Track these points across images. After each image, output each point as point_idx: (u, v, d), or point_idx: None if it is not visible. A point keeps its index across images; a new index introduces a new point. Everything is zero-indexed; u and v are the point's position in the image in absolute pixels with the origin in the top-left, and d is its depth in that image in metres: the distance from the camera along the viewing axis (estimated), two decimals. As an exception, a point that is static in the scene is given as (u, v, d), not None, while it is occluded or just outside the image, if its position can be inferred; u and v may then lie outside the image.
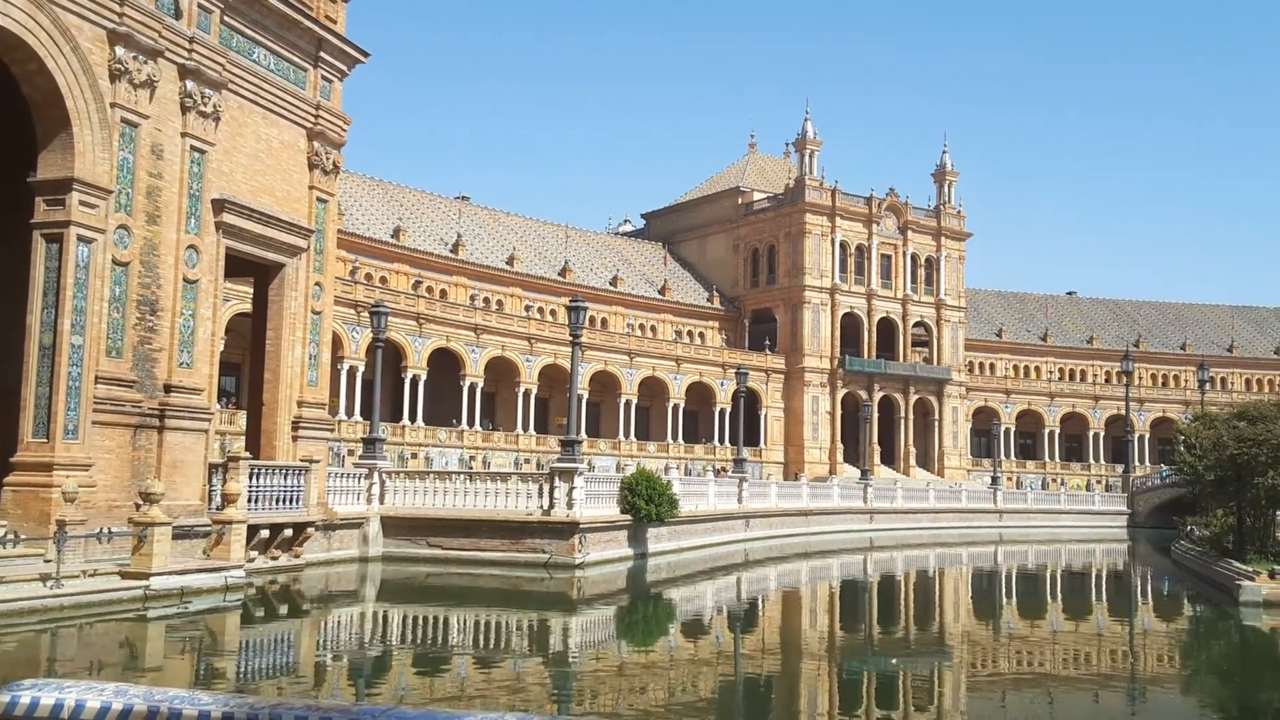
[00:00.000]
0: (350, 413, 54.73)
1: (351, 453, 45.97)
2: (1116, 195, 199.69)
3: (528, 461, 60.57)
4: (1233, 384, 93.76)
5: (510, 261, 73.22)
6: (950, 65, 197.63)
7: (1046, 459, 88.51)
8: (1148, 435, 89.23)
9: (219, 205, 23.36)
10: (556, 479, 28.60)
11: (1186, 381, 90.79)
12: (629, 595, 28.16)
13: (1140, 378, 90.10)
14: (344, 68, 27.72)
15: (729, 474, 48.38)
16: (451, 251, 70.04)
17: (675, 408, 72.65)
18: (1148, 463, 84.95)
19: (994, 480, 69.01)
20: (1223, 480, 30.63)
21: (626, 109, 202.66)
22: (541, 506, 28.70)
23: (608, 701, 14.52)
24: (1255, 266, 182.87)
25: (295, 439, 26.01)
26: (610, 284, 78.29)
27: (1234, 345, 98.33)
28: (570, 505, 28.32)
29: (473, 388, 62.19)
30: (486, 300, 69.76)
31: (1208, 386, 77.70)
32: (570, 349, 31.35)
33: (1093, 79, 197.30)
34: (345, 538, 27.86)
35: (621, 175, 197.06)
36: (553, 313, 70.65)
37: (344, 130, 27.80)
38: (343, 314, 52.99)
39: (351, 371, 55.20)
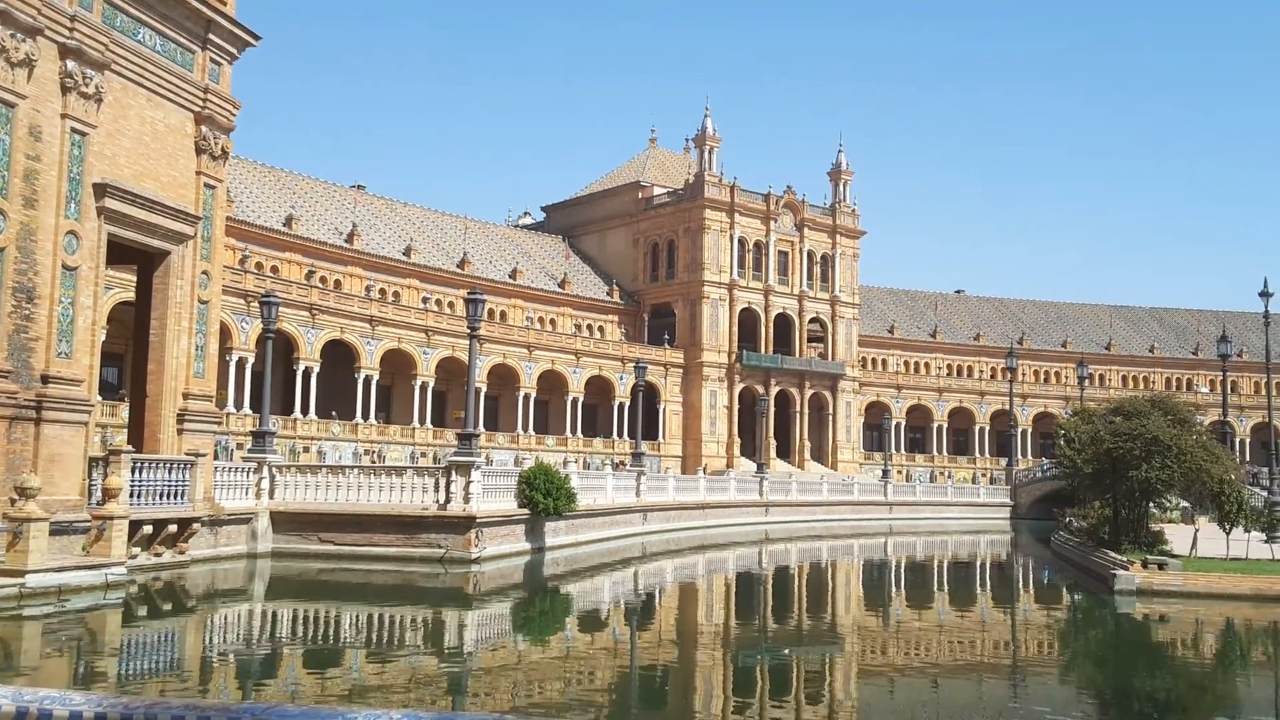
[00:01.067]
0: (239, 405, 53.25)
1: (240, 446, 44.73)
2: (1003, 197, 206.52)
3: (424, 455, 59.78)
4: (1110, 381, 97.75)
5: (407, 252, 72.11)
6: (848, 66, 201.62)
7: (935, 452, 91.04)
8: (1030, 429, 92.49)
9: (101, 190, 22.43)
10: (453, 473, 28.29)
11: (1067, 378, 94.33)
12: (526, 590, 28.04)
13: (1024, 374, 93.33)
14: (234, 50, 26.89)
15: (627, 468, 48.54)
16: (346, 241, 68.65)
17: (574, 401, 72.57)
18: (1030, 456, 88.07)
19: (885, 473, 70.75)
20: (1100, 473, 31.82)
21: (528, 101, 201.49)
22: (438, 501, 28.37)
23: (504, 697, 14.42)
24: (1132, 268, 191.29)
25: (180, 432, 25.20)
26: (510, 277, 77.75)
27: (1112, 343, 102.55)
28: (467, 499, 28.05)
29: (368, 380, 61.11)
30: (383, 292, 68.57)
31: (1087, 383, 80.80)
32: (468, 342, 31.04)
33: (982, 82, 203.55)
34: (233, 533, 27.10)
35: (522, 168, 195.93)
36: (451, 305, 69.84)
37: (233, 114, 26.97)
38: (232, 304, 51.63)
39: (241, 363, 53.70)
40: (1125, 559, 27.56)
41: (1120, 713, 15.08)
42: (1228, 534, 30.40)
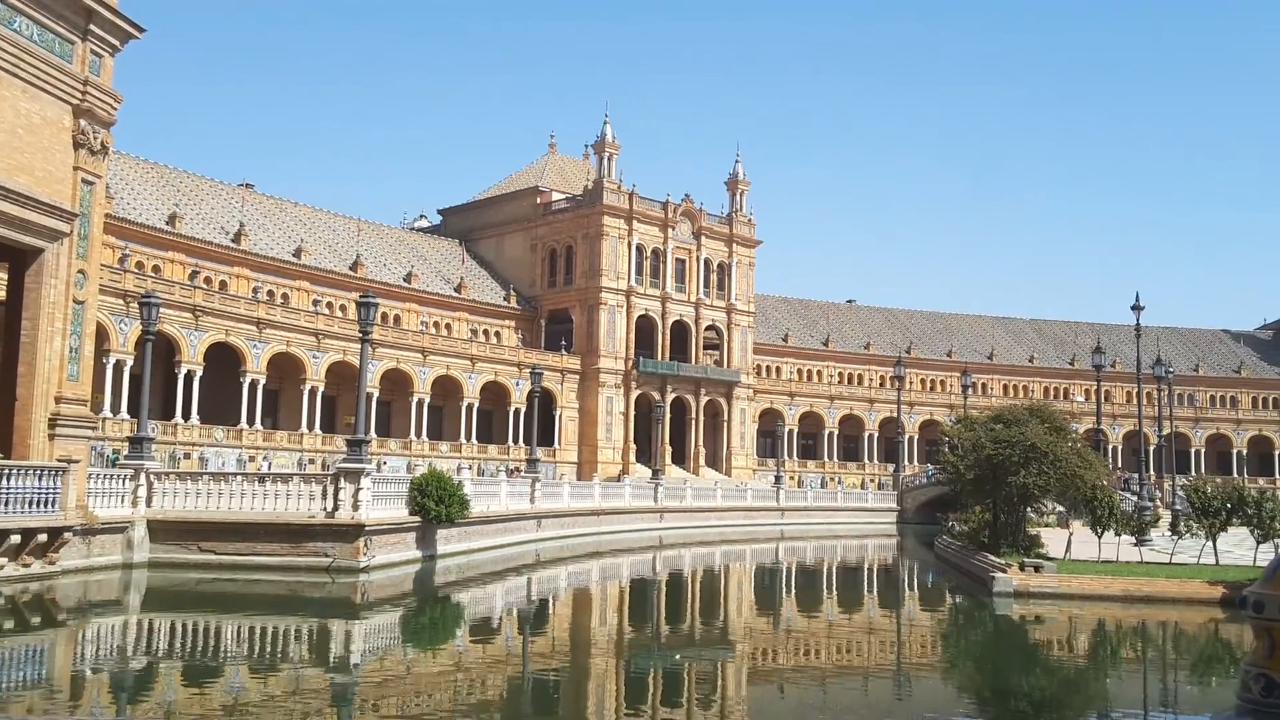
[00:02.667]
0: (116, 410, 51.18)
1: (118, 453, 42.98)
2: (893, 210, 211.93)
3: (312, 462, 58.35)
4: (992, 389, 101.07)
5: (297, 253, 70.36)
6: (746, 77, 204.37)
7: (826, 459, 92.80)
8: (916, 436, 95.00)
9: (-34, 182, 21.33)
10: (342, 479, 27.69)
11: (952, 386, 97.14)
12: (417, 598, 27.60)
13: (911, 382, 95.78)
14: (116, 42, 25.87)
15: (522, 474, 48.23)
16: (233, 241, 66.66)
17: (470, 407, 71.77)
18: (916, 462, 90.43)
19: (777, 479, 71.80)
20: (981, 479, 32.81)
21: (424, 102, 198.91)
22: (325, 508, 27.72)
23: (392, 708, 14.16)
24: (1013, 281, 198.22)
25: (52, 437, 24.10)
26: (404, 280, 76.51)
27: (994, 353, 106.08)
28: (356, 507, 27.49)
29: (254, 385, 59.40)
30: (271, 293, 66.75)
31: (970, 391, 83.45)
32: (360, 346, 30.42)
33: (874, 95, 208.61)
34: (107, 543, 26.01)
35: (418, 170, 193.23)
36: (343, 308, 68.33)
37: (114, 108, 25.96)
38: (110, 304, 49.74)
39: (119, 366, 51.63)
40: (1004, 562, 28.46)
41: (998, 711, 15.55)
42: (1100, 537, 31.66)
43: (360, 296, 30.19)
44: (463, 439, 70.70)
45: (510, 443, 73.11)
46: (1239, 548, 31.32)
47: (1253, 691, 3.04)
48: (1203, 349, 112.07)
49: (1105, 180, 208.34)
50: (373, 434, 59.32)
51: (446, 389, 71.24)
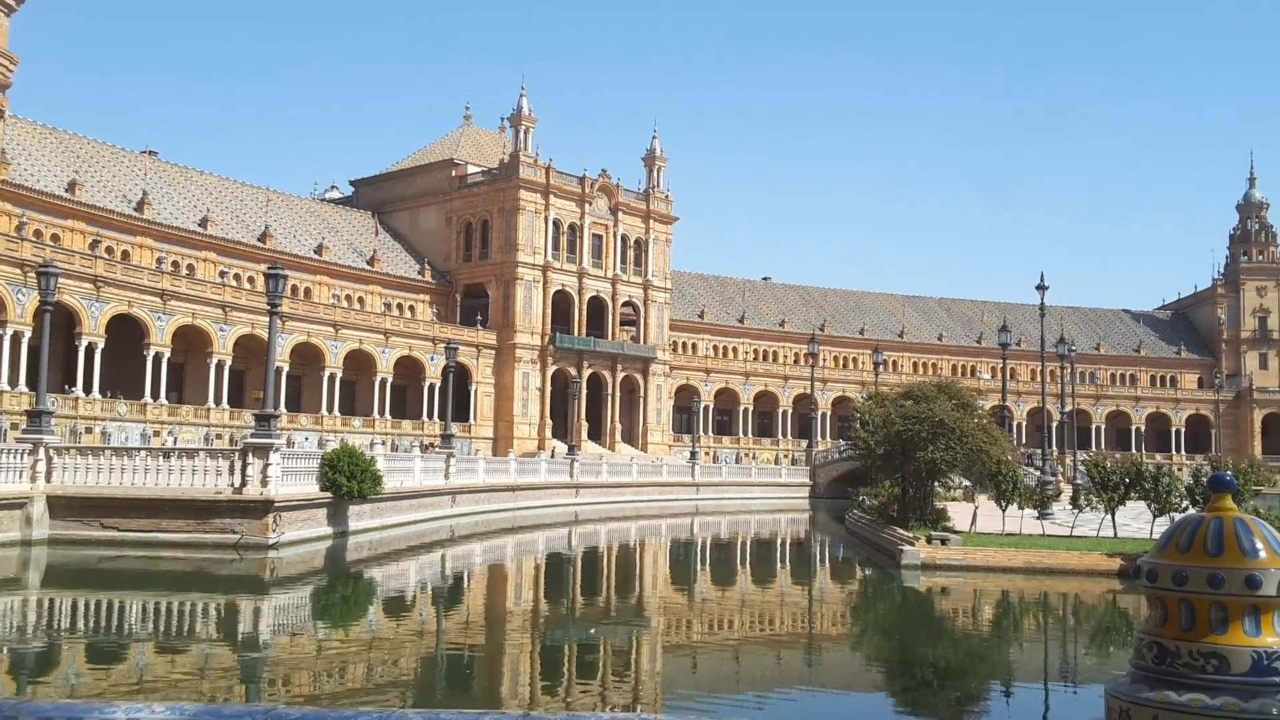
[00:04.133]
0: (14, 383, 49.27)
1: (15, 426, 41.41)
2: (809, 189, 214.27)
3: (219, 437, 56.90)
4: (903, 367, 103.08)
5: (204, 223, 68.31)
6: (664, 54, 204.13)
7: (741, 434, 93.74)
8: (829, 413, 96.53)
9: None
10: (250, 455, 27.09)
11: (864, 363, 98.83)
12: (327, 575, 27.20)
13: (825, 359, 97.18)
14: (11, 2, 24.70)
15: (436, 450, 47.77)
16: (136, 210, 64.41)
17: (383, 382, 70.70)
18: (829, 438, 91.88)
19: (693, 455, 72.34)
20: (890, 454, 33.51)
21: (336, 70, 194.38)
22: (233, 484, 27.10)
23: (302, 685, 13.94)
24: (924, 261, 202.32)
25: (-60, 411, 23.07)
26: (315, 252, 74.86)
27: (904, 331, 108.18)
28: (265, 483, 26.93)
29: (158, 358, 57.64)
30: (176, 264, 64.73)
31: (881, 369, 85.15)
32: (268, 319, 29.70)
33: (791, 74, 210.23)
34: (4, 519, 25.11)
35: (329, 139, 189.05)
36: (251, 280, 66.63)
37: (10, 70, 24.85)
38: (7, 274, 47.89)
39: (16, 337, 49.64)
40: (911, 535, 29.13)
41: (905, 681, 15.92)
42: (1004, 511, 32.62)
43: (269, 268, 29.45)
44: (376, 414, 69.66)
45: (425, 418, 72.27)
46: (1136, 521, 32.56)
47: (1146, 659, 3.12)
48: (1104, 328, 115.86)
49: (1013, 162, 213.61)
50: (282, 409, 58.17)
51: (359, 363, 70.08)
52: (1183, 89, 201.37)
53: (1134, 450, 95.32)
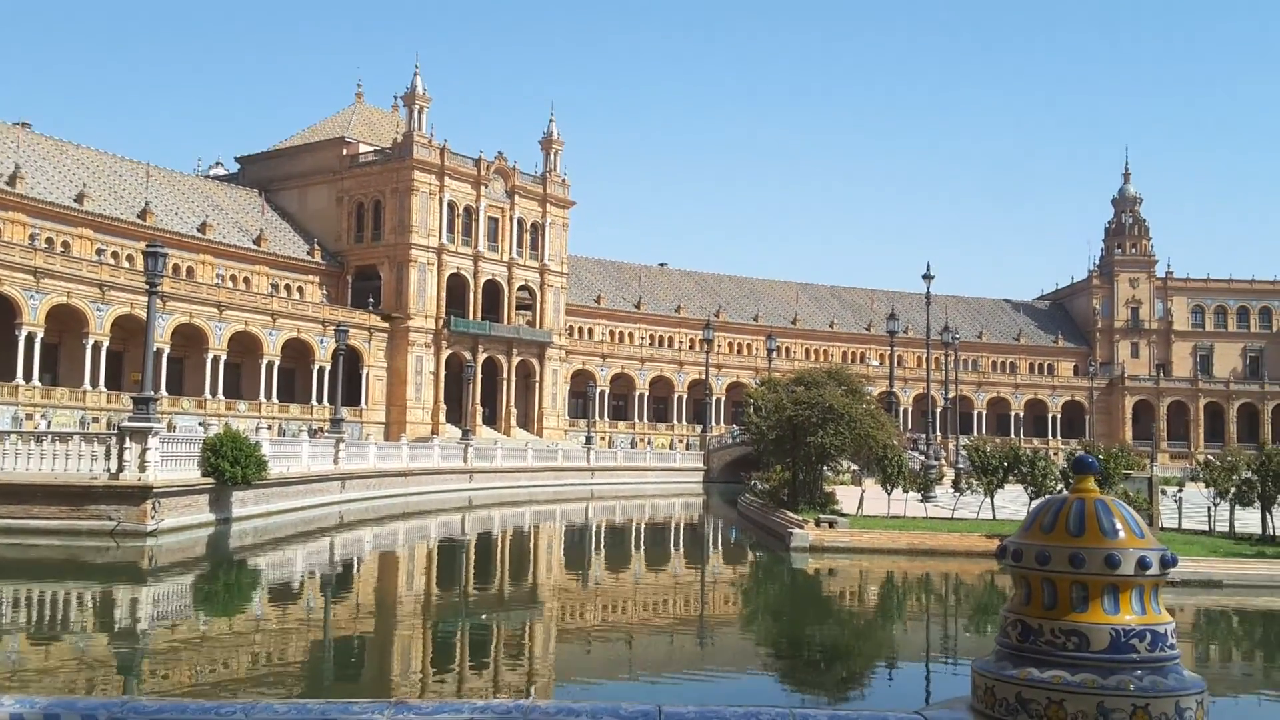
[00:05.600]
0: None
1: None
2: (705, 175, 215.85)
3: (96, 421, 54.60)
4: (795, 353, 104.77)
5: (79, 199, 65.34)
6: (561, 37, 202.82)
7: (637, 419, 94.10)
8: (724, 398, 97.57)
9: None
10: (127, 439, 26.07)
11: (757, 350, 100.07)
12: (209, 563, 26.39)
13: (719, 345, 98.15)
14: None
15: (326, 434, 46.74)
16: (7, 184, 61.24)
17: (270, 365, 68.78)
18: (723, 423, 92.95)
19: (588, 440, 72.37)
20: (782, 439, 34.06)
21: (222, 43, 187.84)
22: (109, 469, 26.07)
23: (184, 676, 13.50)
24: (817, 249, 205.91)
25: None
26: (199, 230, 72.31)
27: (797, 318, 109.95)
28: (143, 468, 25.96)
29: (30, 338, 55.03)
30: (50, 241, 61.80)
31: (774, 355, 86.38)
32: (148, 298, 28.57)
33: (687, 61, 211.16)
34: None
35: (214, 114, 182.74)
36: (130, 258, 64.00)
37: None
38: None
39: None
40: (801, 518, 29.69)
41: (793, 662, 16.22)
42: (889, 494, 33.48)
43: (148, 246, 28.30)
44: (262, 398, 67.75)
45: (314, 402, 70.60)
46: (1014, 503, 33.74)
47: (1010, 637, 3.20)
48: (986, 317, 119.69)
49: (902, 154, 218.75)
50: (163, 392, 56.15)
51: (245, 346, 68.02)
52: (1062, 86, 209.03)
53: (1013, 435, 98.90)
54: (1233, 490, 27.72)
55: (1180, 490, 35.11)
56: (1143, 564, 3.07)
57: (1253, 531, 26.70)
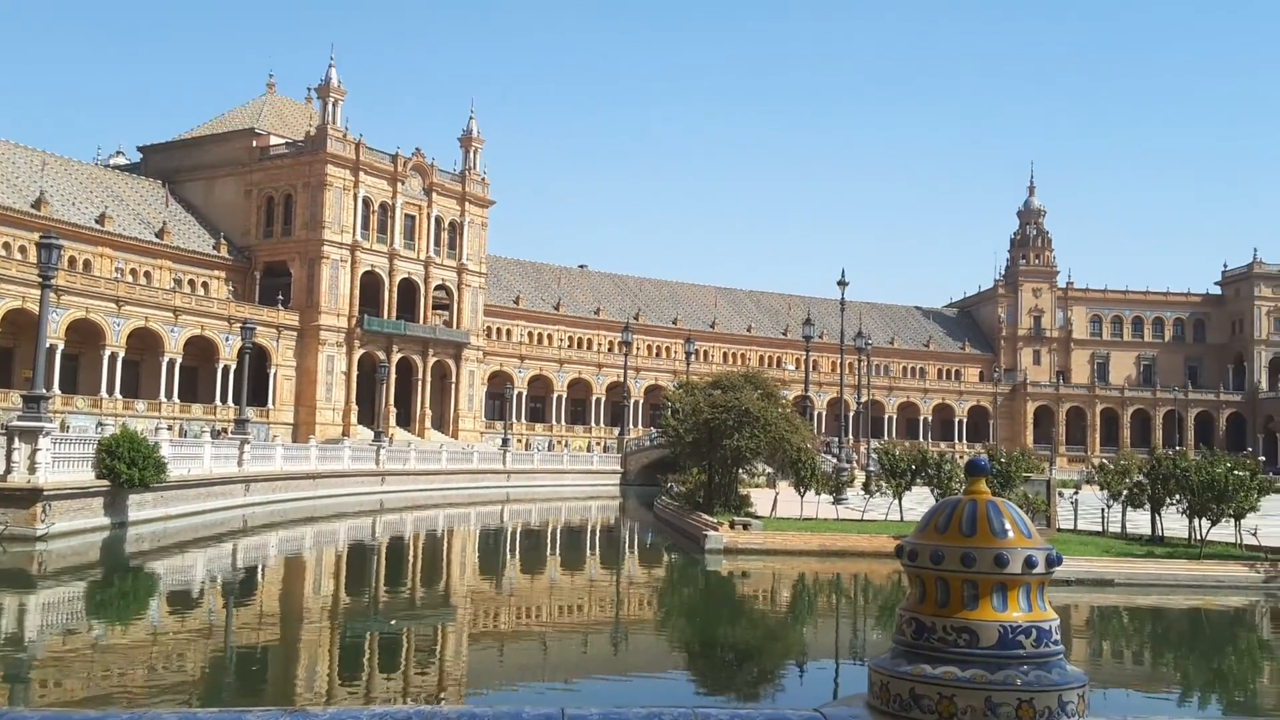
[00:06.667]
0: None
1: None
2: (625, 178, 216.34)
3: (-13, 420, 52.45)
4: (713, 357, 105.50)
5: (-29, 188, 62.68)
6: (482, 35, 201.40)
7: (554, 422, 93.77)
8: (642, 401, 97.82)
9: None
10: (16, 439, 25.08)
11: (676, 353, 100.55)
12: (103, 569, 25.50)
13: (638, 348, 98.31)
14: None
15: (230, 436, 45.59)
16: (-109, 170, 58.50)
17: (171, 363, 66.69)
18: (641, 426, 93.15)
19: (505, 442, 71.83)
20: (698, 442, 34.26)
21: (125, 27, 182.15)
22: (-3, 471, 25.00)
23: (77, 688, 13.01)
24: (736, 254, 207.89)
25: None
26: (97, 222, 69.81)
27: (716, 322, 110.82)
28: (33, 469, 25.00)
29: (-85, 333, 52.60)
30: (-63, 231, 59.17)
31: (693, 358, 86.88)
32: (41, 292, 27.50)
33: (607, 62, 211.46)
34: None
35: (116, 102, 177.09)
36: (22, 250, 61.52)
37: None
38: None
39: None
40: (716, 521, 29.88)
41: (706, 663, 16.29)
42: (803, 497, 33.90)
43: (42, 237, 27.26)
44: (163, 397, 65.63)
45: (218, 402, 68.62)
46: (922, 505, 34.22)
47: (905, 634, 3.22)
48: (898, 324, 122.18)
49: (818, 161, 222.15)
50: (56, 390, 54.21)
51: (145, 343, 65.88)
52: (974, 101, 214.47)
53: (921, 439, 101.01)
54: (1125, 493, 28.69)
55: (1077, 492, 36.20)
56: (1029, 563, 3.12)
57: (1143, 532, 27.69)
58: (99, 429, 31.00)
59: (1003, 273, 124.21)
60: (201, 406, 67.94)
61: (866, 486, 36.13)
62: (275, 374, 72.71)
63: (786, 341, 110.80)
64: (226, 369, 68.41)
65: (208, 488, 36.29)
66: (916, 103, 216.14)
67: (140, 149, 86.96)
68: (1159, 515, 27.22)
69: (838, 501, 36.76)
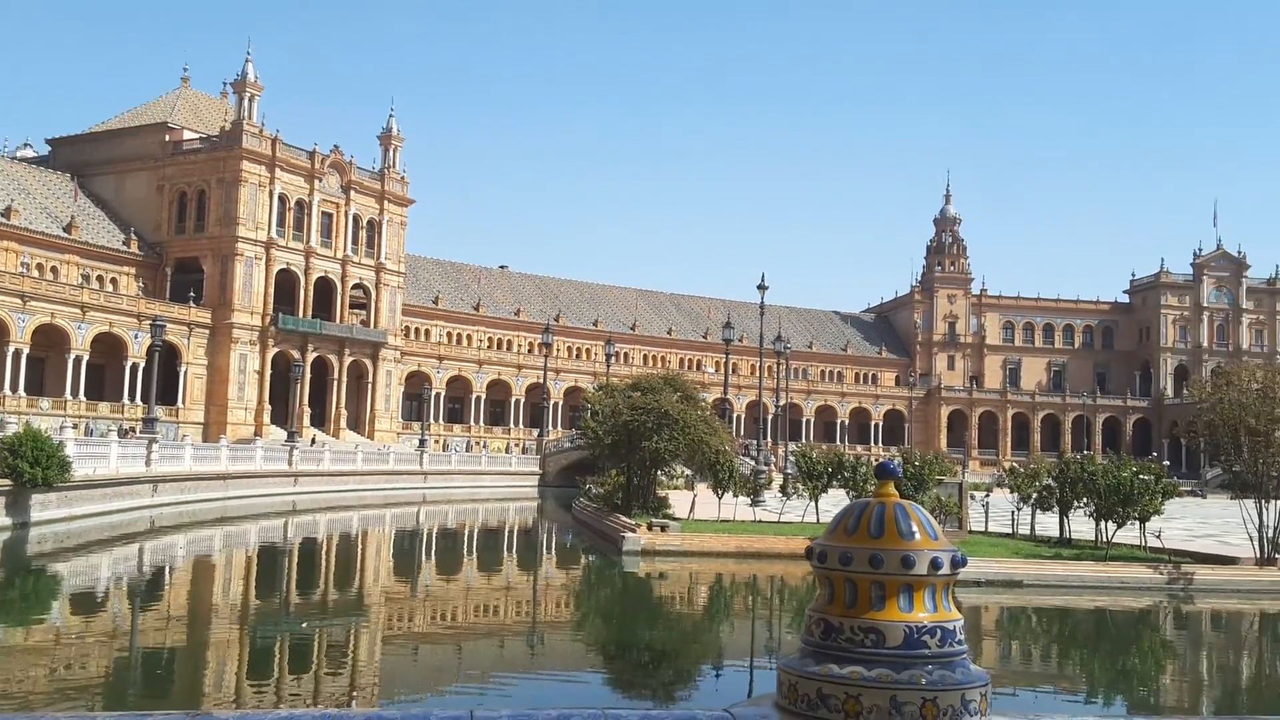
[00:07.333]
0: None
1: None
2: (546, 179, 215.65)
3: (-123, 418, 50.20)
4: (634, 359, 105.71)
5: None
6: (401, 33, 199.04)
7: (473, 423, 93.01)
8: (562, 402, 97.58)
9: None
10: (-89, 438, 24.05)
11: (596, 354, 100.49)
12: (4, 570, 24.62)
13: (558, 349, 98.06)
14: None
15: (138, 435, 44.33)
16: None
17: (78, 360, 64.56)
18: (561, 428, 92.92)
19: (422, 443, 71.04)
20: (617, 444, 34.34)
21: (33, 16, 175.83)
22: (-112, 471, 23.96)
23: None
24: (657, 256, 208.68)
25: None
26: (2, 215, 67.34)
27: (636, 324, 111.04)
28: (-71, 469, 23.98)
29: None
30: None
31: (613, 360, 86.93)
32: (-62, 285, 26.48)
33: (528, 63, 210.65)
34: None
35: (22, 93, 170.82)
36: (-79, 242, 59.13)
37: None
38: None
39: None
40: (634, 522, 29.97)
41: (622, 664, 16.33)
42: (720, 499, 34.17)
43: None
44: (69, 395, 63.54)
45: (126, 400, 66.64)
46: (838, 507, 34.71)
47: (814, 635, 3.28)
48: (817, 328, 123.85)
49: (738, 166, 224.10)
50: (-44, 387, 52.08)
51: (51, 339, 63.69)
52: (892, 108, 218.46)
53: (839, 442, 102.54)
54: (1034, 496, 29.48)
55: (988, 495, 37.14)
56: (935, 564, 3.21)
57: (1052, 535, 28.50)
58: (1, 427, 29.89)
59: (919, 279, 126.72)
60: (109, 405, 65.94)
61: (784, 489, 36.58)
62: (186, 372, 70.90)
63: (707, 344, 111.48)
64: (135, 367, 66.52)
65: (114, 488, 35.27)
66: (837, 109, 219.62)
67: (49, 141, 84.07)
68: (1067, 518, 28.04)
69: (755, 504, 37.13)
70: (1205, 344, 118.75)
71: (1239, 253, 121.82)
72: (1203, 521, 40.70)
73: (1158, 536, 25.26)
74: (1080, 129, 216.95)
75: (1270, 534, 23.64)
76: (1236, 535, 27.78)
